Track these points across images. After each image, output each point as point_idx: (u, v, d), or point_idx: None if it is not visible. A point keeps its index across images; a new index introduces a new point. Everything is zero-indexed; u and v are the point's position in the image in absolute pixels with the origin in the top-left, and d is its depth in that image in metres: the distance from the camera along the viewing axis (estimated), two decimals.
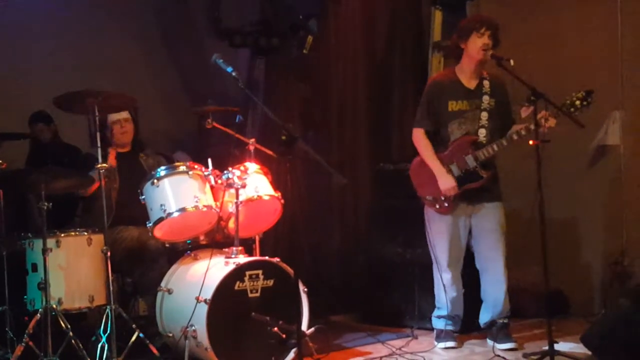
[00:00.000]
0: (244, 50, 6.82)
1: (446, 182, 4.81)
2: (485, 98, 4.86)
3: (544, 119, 4.44)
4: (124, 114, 5.09)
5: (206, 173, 4.70)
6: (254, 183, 4.70)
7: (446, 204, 4.85)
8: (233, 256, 4.53)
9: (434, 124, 4.93)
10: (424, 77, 6.36)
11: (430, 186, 4.89)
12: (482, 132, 4.83)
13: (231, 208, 4.62)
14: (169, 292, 4.59)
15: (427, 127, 4.94)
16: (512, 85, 4.81)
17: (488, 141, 4.79)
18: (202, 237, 4.77)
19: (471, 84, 4.90)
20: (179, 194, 4.57)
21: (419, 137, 4.96)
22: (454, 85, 4.91)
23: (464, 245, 4.96)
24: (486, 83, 4.89)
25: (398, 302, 5.58)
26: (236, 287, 4.35)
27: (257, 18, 6.79)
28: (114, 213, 4.85)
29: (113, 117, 5.06)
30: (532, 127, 4.38)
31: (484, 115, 4.84)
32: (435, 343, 4.98)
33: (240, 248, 4.59)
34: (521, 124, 4.73)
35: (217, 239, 4.77)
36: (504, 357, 4.57)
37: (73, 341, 4.24)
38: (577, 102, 4.49)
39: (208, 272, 4.37)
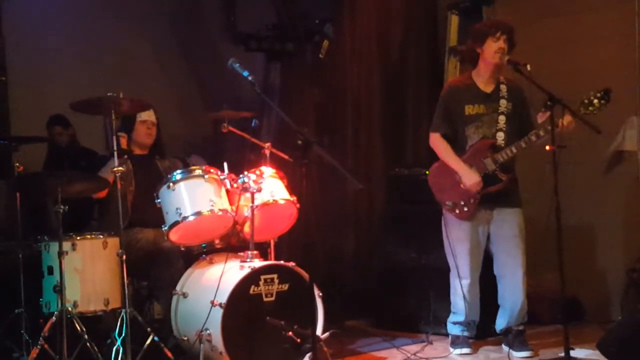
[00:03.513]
0: (259, 55, 6.84)
1: (471, 178, 4.77)
2: (503, 102, 4.84)
3: (562, 117, 4.40)
4: (153, 117, 5.09)
5: (222, 177, 4.71)
6: (270, 187, 4.70)
7: (466, 209, 4.83)
8: (248, 260, 4.53)
9: (450, 128, 4.92)
10: (439, 82, 6.36)
11: (449, 192, 4.88)
12: (500, 136, 4.81)
13: (247, 212, 4.63)
14: (184, 295, 4.60)
15: (442, 131, 4.93)
16: (529, 91, 4.79)
17: (506, 144, 4.77)
18: (217, 241, 4.78)
19: (488, 87, 4.89)
20: (194, 197, 4.58)
21: (436, 140, 4.95)
22: (471, 89, 4.90)
23: (483, 251, 4.94)
24: (503, 87, 4.87)
25: (413, 307, 5.57)
26: (251, 291, 4.35)
27: (273, 22, 6.80)
28: (129, 216, 4.87)
29: (143, 116, 5.04)
30: (553, 128, 4.33)
31: (502, 118, 4.82)
32: (451, 349, 4.96)
33: (255, 252, 4.59)
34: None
35: (232, 243, 4.79)
36: None
37: (88, 344, 4.25)
38: (595, 101, 4.45)
39: (223, 276, 4.38)
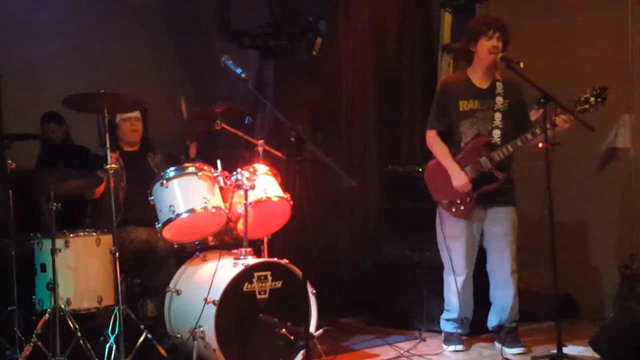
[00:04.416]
0: (253, 52, 6.83)
1: (459, 180, 4.77)
2: (499, 99, 4.83)
3: (555, 114, 4.41)
4: (134, 112, 5.10)
5: (215, 174, 4.71)
6: (263, 184, 4.70)
7: (462, 207, 4.83)
8: (242, 257, 4.53)
9: (445, 125, 4.92)
10: (434, 79, 6.36)
11: (446, 190, 4.87)
12: (497, 133, 4.80)
13: (240, 209, 4.63)
14: (178, 293, 4.59)
15: (438, 128, 4.93)
16: (522, 88, 4.80)
17: (502, 142, 4.75)
18: (210, 238, 4.78)
19: (483, 84, 4.88)
20: (188, 195, 4.57)
21: (431, 138, 4.95)
22: (465, 85, 4.89)
23: (477, 247, 4.95)
24: (499, 85, 4.86)
25: (406, 304, 5.57)
26: (244, 289, 4.35)
27: (267, 20, 6.79)
28: (121, 213, 4.86)
29: (123, 115, 5.06)
30: (546, 125, 4.34)
31: (498, 116, 4.82)
32: (444, 346, 4.96)
33: (248, 249, 4.59)
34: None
35: (225, 240, 4.78)
36: None
37: (81, 341, 4.25)
38: (592, 99, 4.45)
39: (216, 273, 4.38)
